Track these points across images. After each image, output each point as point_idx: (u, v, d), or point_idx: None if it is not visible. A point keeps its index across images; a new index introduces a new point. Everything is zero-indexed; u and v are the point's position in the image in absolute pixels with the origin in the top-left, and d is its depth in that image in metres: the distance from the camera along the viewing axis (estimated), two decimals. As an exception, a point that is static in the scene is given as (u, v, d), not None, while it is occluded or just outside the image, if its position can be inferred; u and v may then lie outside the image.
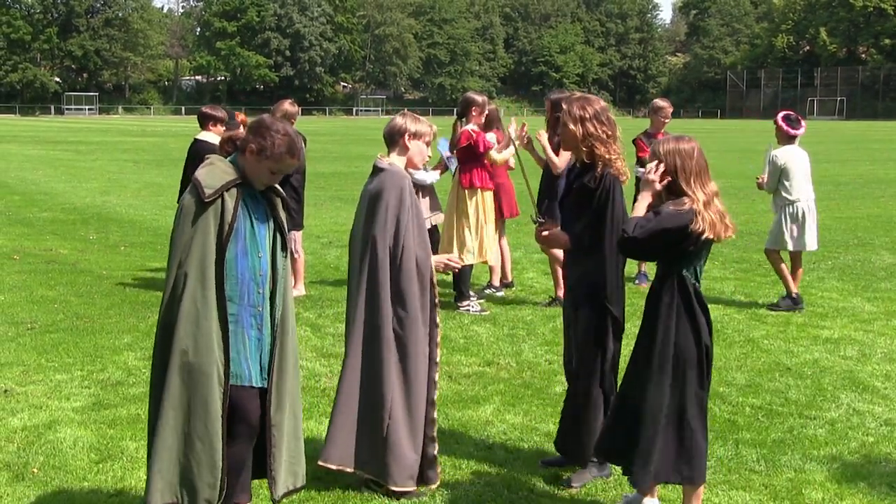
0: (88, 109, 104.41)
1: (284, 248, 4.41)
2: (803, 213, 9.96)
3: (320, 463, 5.16)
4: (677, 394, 4.64)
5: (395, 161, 5.32)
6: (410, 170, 5.46)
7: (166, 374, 4.15)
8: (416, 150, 5.37)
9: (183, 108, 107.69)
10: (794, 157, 9.89)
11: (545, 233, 5.40)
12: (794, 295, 9.90)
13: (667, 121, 11.11)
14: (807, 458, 5.81)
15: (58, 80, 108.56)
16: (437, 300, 5.24)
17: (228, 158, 4.37)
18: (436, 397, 5.24)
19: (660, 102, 11.20)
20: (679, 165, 4.64)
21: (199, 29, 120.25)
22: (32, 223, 16.27)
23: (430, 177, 9.96)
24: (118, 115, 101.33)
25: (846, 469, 5.66)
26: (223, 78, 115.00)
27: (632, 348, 4.83)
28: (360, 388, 5.12)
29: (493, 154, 9.77)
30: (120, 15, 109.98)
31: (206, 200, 4.13)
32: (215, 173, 4.22)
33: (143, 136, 50.00)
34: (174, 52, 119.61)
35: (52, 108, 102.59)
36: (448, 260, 5.61)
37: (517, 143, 8.85)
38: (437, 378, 5.23)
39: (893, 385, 7.39)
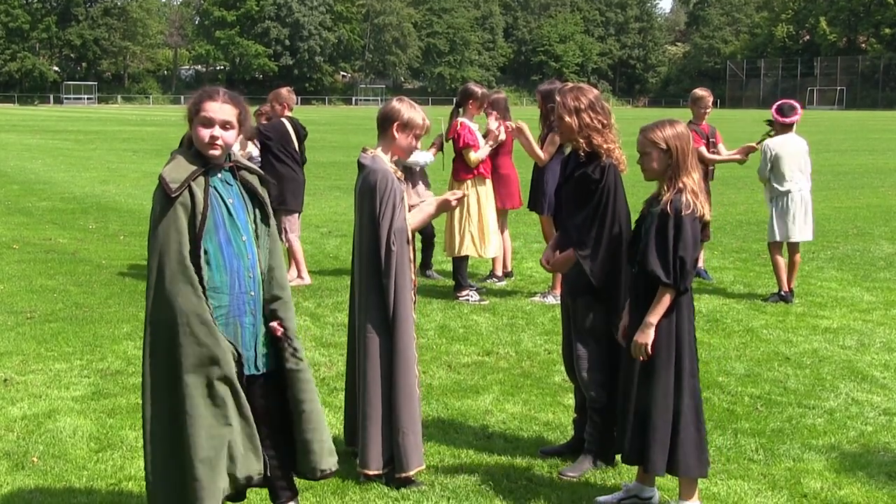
0: (87, 99, 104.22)
1: (267, 222, 4.34)
2: (794, 203, 9.82)
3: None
4: (674, 383, 4.67)
5: (380, 154, 5.23)
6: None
7: (182, 378, 4.03)
8: (403, 143, 5.26)
9: (182, 97, 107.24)
10: (786, 147, 9.77)
11: (545, 262, 5.36)
12: (783, 293, 9.83)
13: (708, 111, 10.65)
14: (805, 448, 5.81)
15: (56, 69, 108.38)
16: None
17: (191, 150, 4.25)
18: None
19: (700, 92, 10.74)
20: (680, 149, 4.66)
21: (198, 18, 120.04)
22: (31, 212, 16.26)
23: (424, 157, 9.94)
24: (117, 105, 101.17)
25: (845, 458, 5.67)
26: (222, 67, 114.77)
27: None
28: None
29: (471, 155, 9.72)
30: (119, 4, 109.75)
31: (174, 195, 4.05)
32: (179, 167, 4.14)
33: (142, 126, 49.93)
34: (173, 41, 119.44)
35: (51, 97, 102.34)
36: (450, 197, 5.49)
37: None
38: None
39: (892, 375, 7.40)
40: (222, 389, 4.10)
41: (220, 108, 4.16)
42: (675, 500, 4.89)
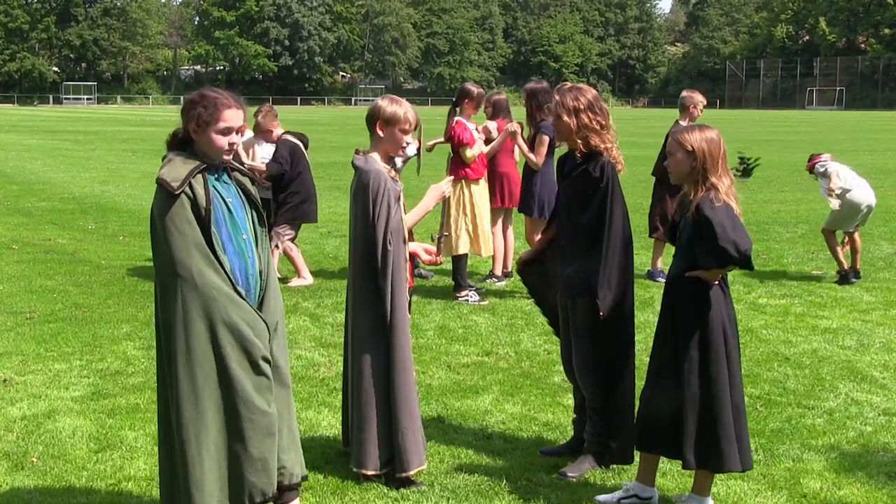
0: (87, 99, 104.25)
1: (263, 223, 4.37)
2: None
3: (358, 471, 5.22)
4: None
5: (372, 154, 5.22)
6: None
7: (229, 367, 4.08)
8: (388, 139, 5.21)
9: (181, 97, 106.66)
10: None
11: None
12: (849, 270, 10.97)
13: (701, 113, 10.70)
14: (805, 448, 5.81)
15: (56, 69, 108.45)
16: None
17: (186, 152, 4.24)
18: None
19: (697, 97, 10.77)
20: (708, 152, 4.70)
21: (197, 18, 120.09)
22: (31, 213, 16.26)
23: (409, 149, 9.98)
24: (117, 105, 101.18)
25: (844, 459, 5.67)
26: (222, 67, 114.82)
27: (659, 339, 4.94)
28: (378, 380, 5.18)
29: (466, 152, 9.74)
30: (118, 4, 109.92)
31: (177, 192, 4.03)
32: (176, 167, 4.12)
33: (141, 126, 49.93)
34: (173, 41, 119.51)
35: (51, 97, 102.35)
36: (425, 251, 5.58)
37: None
38: None
39: (891, 375, 7.40)
40: (266, 369, 4.19)
41: (236, 115, 4.20)
42: (688, 493, 4.93)
